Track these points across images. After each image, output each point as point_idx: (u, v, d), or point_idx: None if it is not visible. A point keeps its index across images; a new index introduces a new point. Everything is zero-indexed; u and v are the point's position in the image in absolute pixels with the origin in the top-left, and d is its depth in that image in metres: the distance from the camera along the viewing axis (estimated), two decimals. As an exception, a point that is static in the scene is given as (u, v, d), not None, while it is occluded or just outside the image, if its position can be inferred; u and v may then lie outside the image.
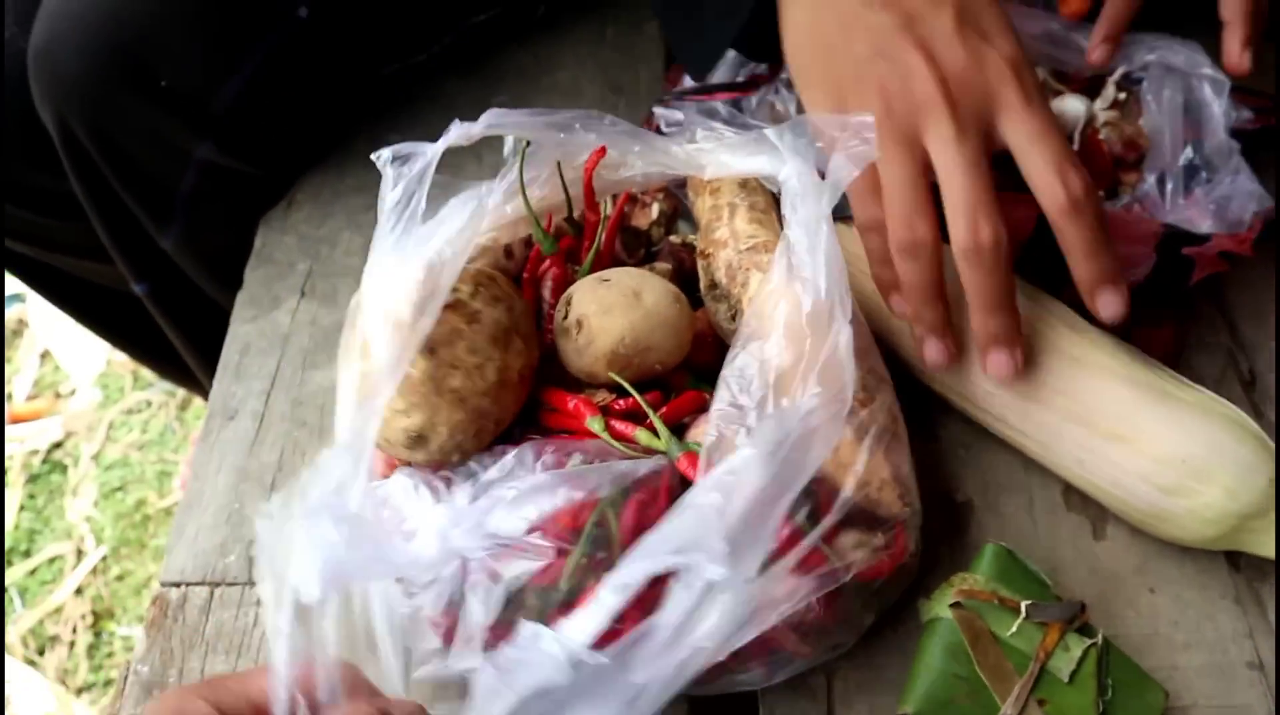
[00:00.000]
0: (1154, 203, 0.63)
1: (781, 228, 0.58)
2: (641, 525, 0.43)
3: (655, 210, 0.62)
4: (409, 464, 0.50)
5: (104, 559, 1.42)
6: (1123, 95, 0.70)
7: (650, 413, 0.49)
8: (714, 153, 0.56)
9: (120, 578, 1.40)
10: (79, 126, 0.72)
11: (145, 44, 0.70)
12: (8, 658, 1.30)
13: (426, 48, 0.83)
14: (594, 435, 0.50)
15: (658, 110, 0.73)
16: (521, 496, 0.44)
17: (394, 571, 0.44)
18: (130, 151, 0.73)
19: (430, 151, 0.48)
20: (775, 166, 0.51)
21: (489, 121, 0.48)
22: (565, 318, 0.52)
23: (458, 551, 0.43)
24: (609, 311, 0.51)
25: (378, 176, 0.81)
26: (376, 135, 0.85)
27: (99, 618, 1.37)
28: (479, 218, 0.49)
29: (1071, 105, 0.67)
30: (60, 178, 0.78)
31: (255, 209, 0.81)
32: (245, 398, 0.71)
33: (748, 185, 0.59)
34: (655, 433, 0.49)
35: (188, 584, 0.62)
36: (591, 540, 0.44)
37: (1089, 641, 0.49)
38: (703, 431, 0.48)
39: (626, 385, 0.49)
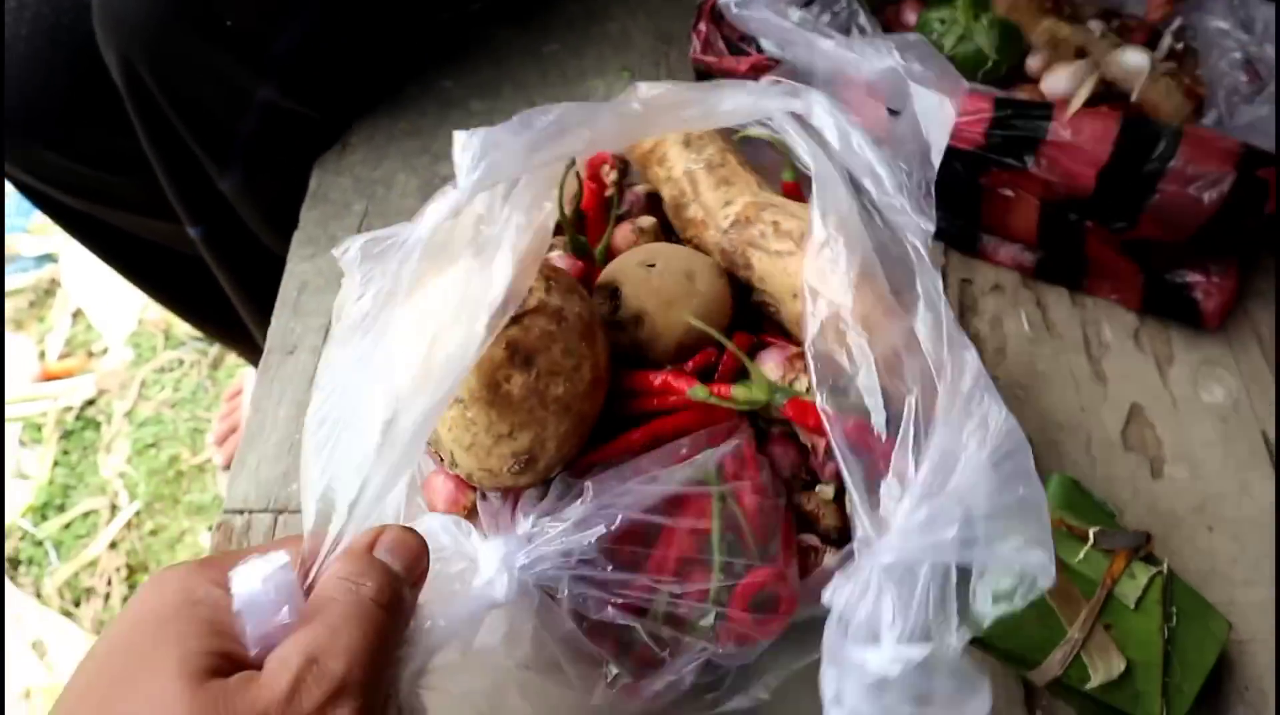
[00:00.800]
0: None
1: (743, 157, 0.54)
2: (760, 506, 0.42)
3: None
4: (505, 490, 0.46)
5: (137, 514, 1.43)
6: (1180, 45, 0.70)
7: (750, 366, 0.47)
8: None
9: (154, 532, 1.42)
10: (144, 69, 0.72)
11: (209, -16, 0.70)
12: (45, 609, 1.32)
13: (482, -6, 0.83)
14: (689, 405, 0.47)
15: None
16: (598, 507, 0.41)
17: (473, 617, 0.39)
18: (193, 94, 0.74)
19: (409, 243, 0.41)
20: (784, 103, 0.46)
21: (476, 180, 0.40)
22: (617, 311, 0.49)
23: (534, 578, 0.39)
24: (671, 305, 0.48)
25: (431, 120, 0.83)
26: (429, 81, 0.85)
27: (133, 571, 1.38)
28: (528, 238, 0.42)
29: (1132, 58, 0.67)
30: (120, 133, 0.79)
31: (311, 153, 0.81)
32: (304, 334, 0.71)
33: (691, 143, 0.54)
34: (744, 386, 0.47)
35: (251, 511, 0.63)
36: (726, 544, 0.43)
37: (1154, 570, 0.50)
38: (780, 373, 0.47)
39: (727, 342, 0.47)
